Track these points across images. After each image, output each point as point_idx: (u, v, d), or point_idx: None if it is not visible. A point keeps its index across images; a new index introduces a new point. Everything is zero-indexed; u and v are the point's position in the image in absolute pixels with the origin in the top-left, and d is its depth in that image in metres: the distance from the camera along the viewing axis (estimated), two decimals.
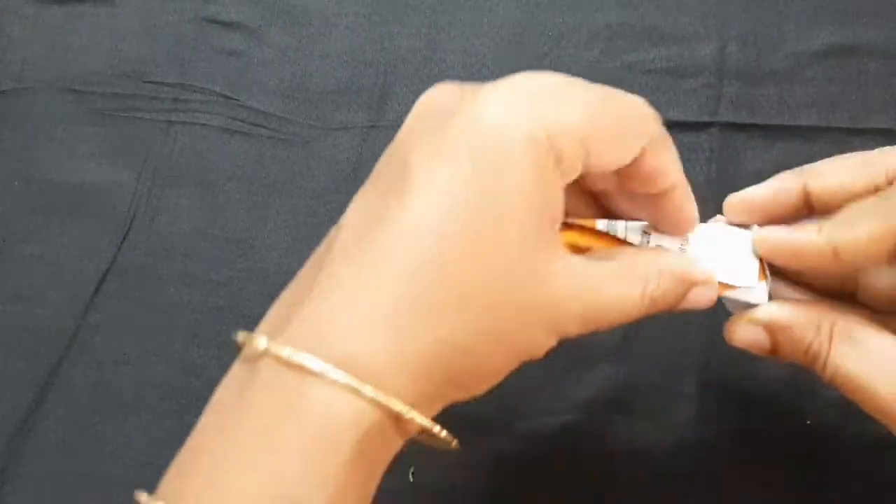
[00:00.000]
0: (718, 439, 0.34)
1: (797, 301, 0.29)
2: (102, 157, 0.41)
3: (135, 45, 0.42)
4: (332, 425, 0.22)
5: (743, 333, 0.29)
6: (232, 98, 0.41)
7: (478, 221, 0.23)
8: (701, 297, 0.28)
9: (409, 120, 0.26)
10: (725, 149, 0.38)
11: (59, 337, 0.38)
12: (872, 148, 0.30)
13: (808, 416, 0.34)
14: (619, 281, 0.26)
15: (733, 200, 0.31)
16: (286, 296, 0.25)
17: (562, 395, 0.36)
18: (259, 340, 0.23)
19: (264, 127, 0.41)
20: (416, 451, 0.26)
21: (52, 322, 0.38)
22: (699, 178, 0.38)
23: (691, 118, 0.39)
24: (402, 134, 0.26)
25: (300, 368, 0.22)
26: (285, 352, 0.22)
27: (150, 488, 0.35)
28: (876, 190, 0.28)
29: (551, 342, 0.25)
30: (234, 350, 0.24)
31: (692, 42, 0.40)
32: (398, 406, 0.22)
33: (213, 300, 0.38)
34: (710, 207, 0.37)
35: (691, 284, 0.28)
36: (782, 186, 0.30)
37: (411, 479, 0.35)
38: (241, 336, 0.24)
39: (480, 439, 0.35)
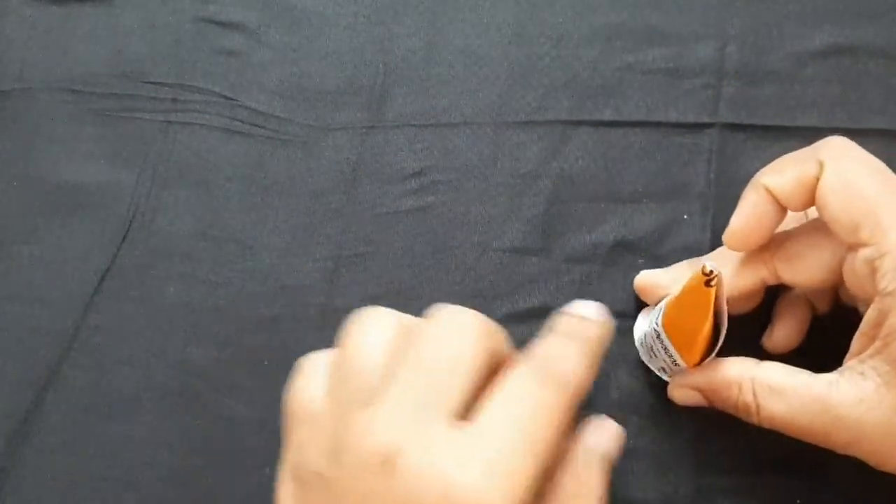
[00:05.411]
0: (718, 439, 0.35)
1: (713, 364, 0.31)
2: (102, 157, 0.41)
3: (134, 45, 0.42)
4: None
5: (682, 396, 0.33)
6: (231, 98, 0.41)
7: None
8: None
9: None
10: (725, 149, 0.38)
11: (59, 337, 0.38)
12: (872, 148, 0.30)
13: None
14: None
15: (639, 283, 0.36)
16: None
17: None
18: None
19: (263, 127, 0.41)
20: None
21: (52, 322, 0.38)
22: (698, 180, 0.38)
23: (690, 119, 0.39)
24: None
25: None
26: None
27: (150, 488, 0.36)
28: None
29: None
30: None
31: (691, 42, 0.40)
32: None
33: (213, 300, 0.38)
34: (709, 209, 0.38)
35: None
36: (681, 275, 0.33)
37: None
38: None
39: None
